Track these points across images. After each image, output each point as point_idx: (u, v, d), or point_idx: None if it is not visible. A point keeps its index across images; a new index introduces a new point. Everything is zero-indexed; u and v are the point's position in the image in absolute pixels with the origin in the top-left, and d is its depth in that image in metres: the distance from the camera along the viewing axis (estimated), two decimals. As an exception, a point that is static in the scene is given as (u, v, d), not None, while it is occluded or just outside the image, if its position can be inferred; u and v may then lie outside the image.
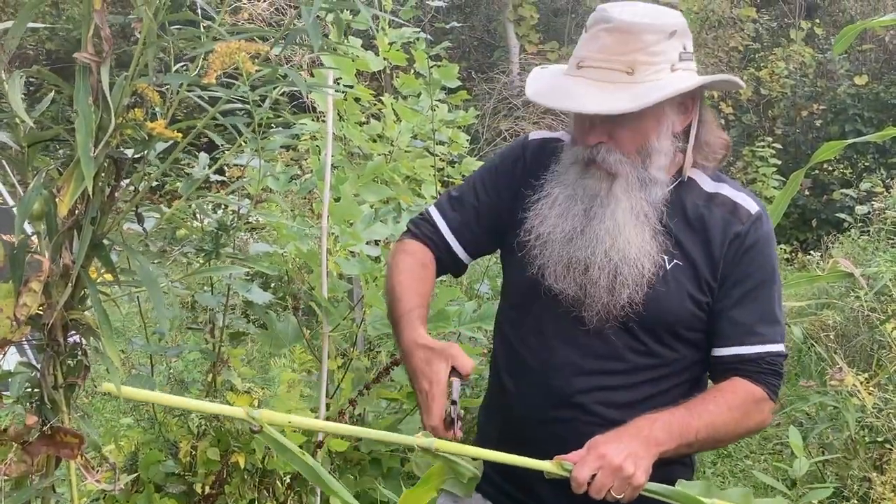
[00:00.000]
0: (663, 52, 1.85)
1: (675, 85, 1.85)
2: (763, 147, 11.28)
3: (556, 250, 1.95)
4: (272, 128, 1.67)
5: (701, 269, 1.95)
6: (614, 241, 1.91)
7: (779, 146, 11.61)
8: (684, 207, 1.98)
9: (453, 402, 1.80)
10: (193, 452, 3.15)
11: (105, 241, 1.58)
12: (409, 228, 2.22)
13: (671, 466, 1.94)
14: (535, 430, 2.00)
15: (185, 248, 1.83)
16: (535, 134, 2.18)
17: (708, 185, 2.02)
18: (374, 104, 4.80)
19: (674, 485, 1.87)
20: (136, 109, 1.50)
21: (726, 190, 2.01)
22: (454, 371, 1.84)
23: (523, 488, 2.04)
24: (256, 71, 1.52)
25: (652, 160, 1.92)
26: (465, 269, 2.25)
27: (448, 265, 2.21)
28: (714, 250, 1.95)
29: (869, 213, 8.41)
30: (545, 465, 1.80)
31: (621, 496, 1.77)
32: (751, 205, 1.99)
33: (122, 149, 1.55)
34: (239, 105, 1.57)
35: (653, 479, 1.82)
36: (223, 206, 3.45)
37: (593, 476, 1.76)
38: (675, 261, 1.95)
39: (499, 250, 2.21)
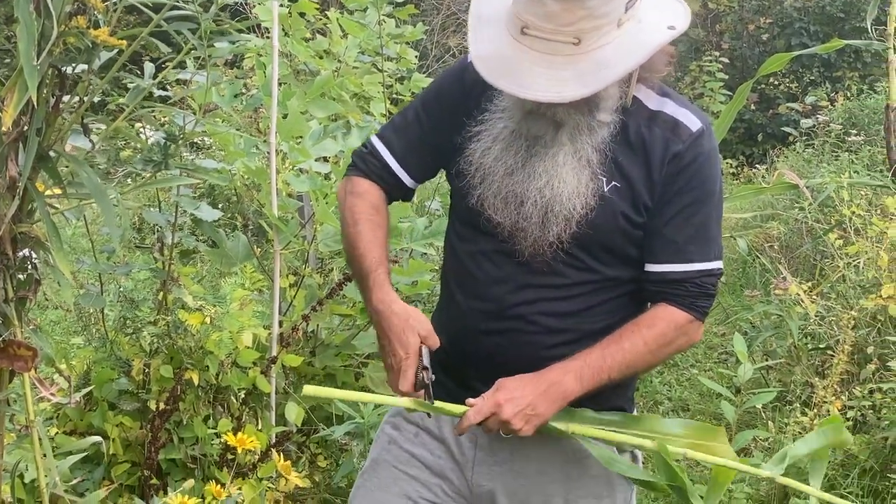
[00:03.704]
0: (609, 13, 1.77)
1: (625, 62, 1.79)
2: (710, 62, 11.29)
3: (497, 183, 1.97)
4: (218, 35, 1.64)
5: (639, 191, 1.95)
6: (550, 179, 1.91)
7: (726, 60, 11.63)
8: (626, 129, 1.96)
9: (425, 368, 1.93)
10: (146, 370, 3.15)
11: (51, 154, 1.55)
12: (356, 163, 2.20)
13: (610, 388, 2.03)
14: (482, 339, 2.05)
15: (129, 168, 1.80)
16: None
17: (652, 101, 1.99)
18: (320, 19, 4.72)
19: (610, 401, 2.07)
20: (78, 17, 1.47)
21: (669, 107, 1.98)
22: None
23: (463, 384, 2.08)
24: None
25: (600, 107, 1.90)
26: (413, 195, 2.27)
27: (396, 194, 2.22)
28: (653, 172, 1.95)
29: (814, 126, 8.51)
30: (462, 409, 1.94)
31: (508, 436, 1.95)
32: (693, 122, 1.97)
33: (65, 57, 1.51)
34: (183, 12, 1.54)
35: (590, 397, 1.98)
36: (168, 124, 3.39)
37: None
38: (613, 182, 1.95)
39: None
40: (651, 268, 2.01)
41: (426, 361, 1.94)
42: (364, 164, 2.19)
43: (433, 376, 1.94)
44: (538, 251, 1.96)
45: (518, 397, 1.90)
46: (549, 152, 1.92)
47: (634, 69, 1.86)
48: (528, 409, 1.90)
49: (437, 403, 1.96)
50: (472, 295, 2.08)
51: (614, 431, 2.02)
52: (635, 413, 2.21)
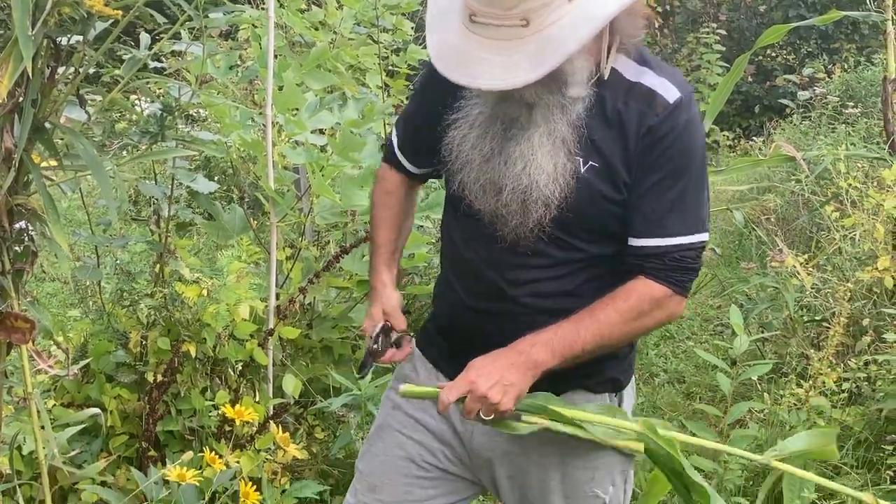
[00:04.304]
0: None
1: (576, 36, 1.74)
2: (707, 33, 11.21)
3: (475, 171, 1.97)
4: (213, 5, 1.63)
5: (617, 169, 1.93)
6: (526, 164, 1.90)
7: (723, 32, 11.55)
8: (604, 104, 1.92)
9: (375, 338, 2.11)
10: (144, 342, 3.15)
11: (47, 125, 1.55)
12: (385, 148, 2.33)
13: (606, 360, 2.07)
14: (477, 318, 2.08)
15: (125, 140, 1.80)
16: None
17: (631, 72, 1.94)
18: (315, -11, 4.70)
19: (615, 354, 2.07)
20: (73, -13, 1.46)
21: (648, 78, 1.93)
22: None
23: (461, 351, 2.10)
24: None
25: (569, 84, 1.87)
26: (426, 179, 2.33)
27: (413, 180, 2.29)
28: (630, 147, 1.91)
29: (811, 98, 8.47)
30: (434, 391, 2.00)
31: (490, 418, 1.92)
32: (671, 92, 1.91)
33: (60, 28, 1.50)
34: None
35: (583, 370, 2.02)
36: (164, 96, 3.37)
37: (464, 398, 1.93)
38: (590, 162, 1.92)
39: None
40: (631, 241, 1.99)
41: (375, 332, 2.10)
42: (386, 150, 2.31)
43: (377, 347, 2.09)
44: (520, 236, 1.97)
45: (489, 372, 1.92)
46: (524, 135, 1.91)
47: (587, 43, 1.79)
48: (503, 380, 1.91)
49: (409, 387, 2.03)
50: (465, 275, 2.11)
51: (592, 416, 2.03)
52: (632, 384, 2.21)
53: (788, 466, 2.04)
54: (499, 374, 1.91)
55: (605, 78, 1.92)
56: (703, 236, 1.99)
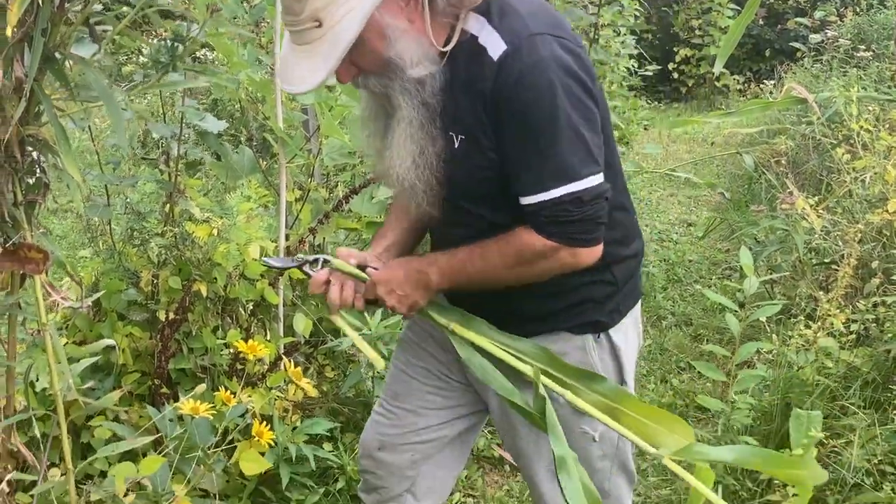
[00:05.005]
0: None
1: (350, 28, 1.77)
2: (719, -24, 11.10)
3: (379, 161, 2.08)
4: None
5: (478, 137, 1.92)
6: (396, 152, 1.95)
7: (734, -26, 11.44)
8: (459, 72, 1.92)
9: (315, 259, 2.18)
10: (155, 281, 3.17)
11: (57, 55, 1.54)
12: None
13: (593, 285, 2.11)
14: None
15: (133, 80, 1.79)
16: None
17: (476, 27, 1.91)
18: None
19: (591, 297, 2.12)
20: (81, -87, 1.44)
21: (483, 34, 1.89)
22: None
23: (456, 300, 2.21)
24: None
25: (402, 67, 1.87)
26: None
27: None
28: (479, 111, 1.90)
29: (822, 41, 8.39)
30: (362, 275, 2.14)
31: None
32: (497, 47, 1.86)
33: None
34: None
35: (561, 315, 2.11)
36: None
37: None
38: (460, 136, 1.94)
39: None
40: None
41: (318, 256, 2.18)
42: None
43: (303, 257, 2.18)
44: (428, 214, 2.04)
45: (388, 280, 2.07)
46: (392, 125, 1.96)
47: (360, 29, 1.79)
48: (398, 290, 2.06)
49: (338, 262, 2.11)
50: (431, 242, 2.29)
51: (502, 349, 2.07)
52: (629, 325, 2.21)
53: (680, 469, 1.93)
54: (395, 285, 2.06)
55: (450, 49, 1.92)
56: (576, 185, 1.88)
